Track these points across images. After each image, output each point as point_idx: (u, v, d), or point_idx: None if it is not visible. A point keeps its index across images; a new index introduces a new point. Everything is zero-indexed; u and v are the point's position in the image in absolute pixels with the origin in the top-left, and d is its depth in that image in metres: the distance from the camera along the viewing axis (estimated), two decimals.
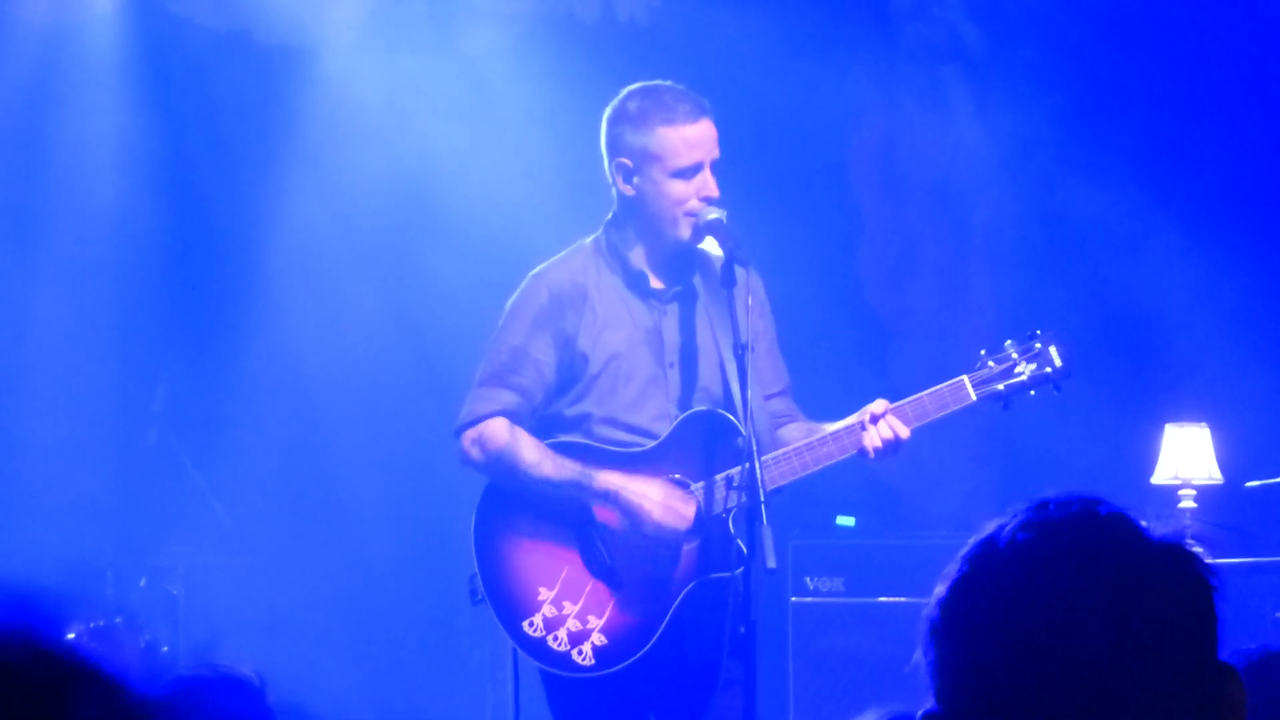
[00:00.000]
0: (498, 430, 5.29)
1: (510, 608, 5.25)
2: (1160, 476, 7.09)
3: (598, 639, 5.20)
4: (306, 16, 8.17)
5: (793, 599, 7.11)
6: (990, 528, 1.77)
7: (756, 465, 4.97)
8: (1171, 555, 1.75)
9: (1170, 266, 8.08)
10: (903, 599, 6.96)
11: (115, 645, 6.35)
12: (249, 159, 8.28)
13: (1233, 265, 7.99)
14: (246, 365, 8.30)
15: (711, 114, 5.28)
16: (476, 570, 5.27)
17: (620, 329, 5.31)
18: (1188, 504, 6.99)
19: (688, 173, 5.22)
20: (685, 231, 5.25)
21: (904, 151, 8.54)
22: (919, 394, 5.24)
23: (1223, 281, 8.00)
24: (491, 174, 8.12)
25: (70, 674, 1.50)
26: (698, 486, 5.23)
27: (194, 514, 7.81)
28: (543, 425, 5.33)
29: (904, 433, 5.18)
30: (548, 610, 5.22)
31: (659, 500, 5.19)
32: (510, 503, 5.30)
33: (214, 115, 8.27)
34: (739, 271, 5.14)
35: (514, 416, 5.30)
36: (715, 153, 5.25)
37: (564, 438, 5.30)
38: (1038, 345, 5.33)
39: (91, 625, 6.35)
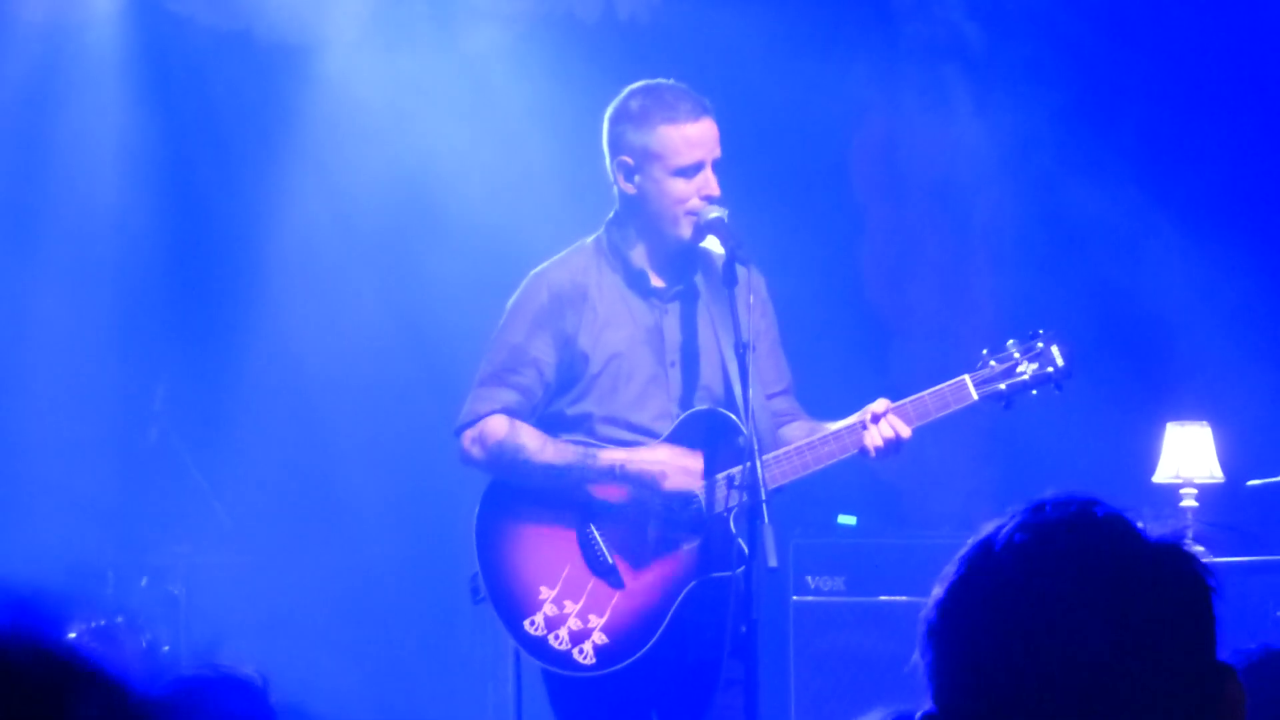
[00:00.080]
0: (497, 426, 5.29)
1: (511, 607, 5.25)
2: (1161, 475, 7.09)
3: (599, 638, 5.21)
4: (307, 16, 8.17)
5: (794, 598, 7.11)
6: (987, 529, 1.77)
7: (758, 464, 4.97)
8: (1169, 556, 1.75)
9: (1171, 265, 8.08)
10: (904, 598, 6.95)
11: (116, 645, 6.35)
12: (249, 158, 8.28)
13: (1234, 264, 7.99)
14: (247, 364, 8.30)
15: (713, 113, 5.28)
16: (478, 569, 5.28)
17: (621, 328, 5.31)
18: (1189, 503, 6.99)
19: (689, 171, 5.22)
20: (686, 230, 5.25)
21: (905, 150, 8.53)
22: (920, 393, 5.24)
23: (1224, 280, 7.99)
24: (492, 173, 8.12)
25: (71, 675, 1.50)
26: (699, 486, 5.23)
27: (195, 513, 7.81)
28: (544, 424, 5.33)
29: (905, 432, 5.19)
30: (549, 609, 5.23)
31: (667, 460, 5.18)
32: (512, 502, 5.30)
33: (214, 114, 8.27)
34: (740, 270, 5.14)
35: (514, 415, 5.31)
36: (716, 151, 5.25)
37: (566, 437, 5.30)
38: (1039, 344, 5.33)
39: (92, 625, 6.35)
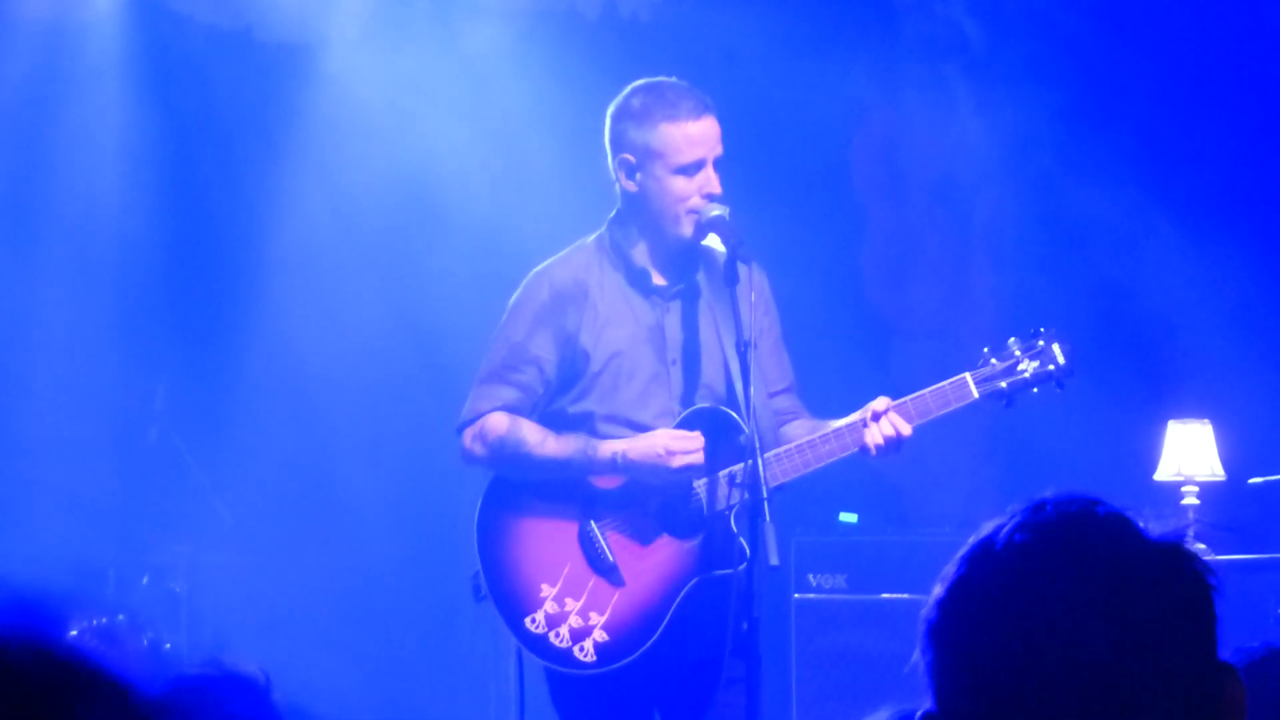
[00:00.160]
0: (498, 421, 5.29)
1: (512, 604, 5.26)
2: (1163, 473, 7.09)
3: (599, 636, 5.21)
4: (307, 14, 8.17)
5: (795, 596, 7.11)
6: (988, 528, 1.77)
7: (759, 462, 4.97)
8: (1169, 555, 1.75)
9: (1172, 263, 8.08)
10: (905, 596, 6.96)
11: (117, 644, 6.35)
12: (250, 157, 8.29)
13: (1235, 262, 7.99)
14: (248, 363, 8.30)
15: (715, 111, 5.28)
16: (479, 567, 5.28)
17: (622, 326, 5.31)
18: (1190, 501, 6.99)
19: (690, 169, 5.22)
20: (687, 229, 5.25)
21: (906, 149, 8.53)
22: (921, 391, 5.24)
23: (1225, 278, 7.99)
24: (493, 171, 8.12)
25: (76, 676, 1.50)
26: (700, 483, 5.23)
27: (196, 512, 7.81)
28: (545, 423, 5.33)
29: (905, 430, 5.18)
30: (550, 607, 5.23)
31: (669, 442, 5.18)
32: (513, 500, 5.31)
33: (215, 113, 8.27)
34: (741, 268, 5.14)
35: (515, 413, 5.31)
36: (718, 150, 5.25)
37: (567, 435, 5.30)
38: (1041, 343, 5.33)
39: (93, 623, 6.36)
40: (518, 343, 5.32)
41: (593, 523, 5.27)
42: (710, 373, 5.31)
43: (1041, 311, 6.92)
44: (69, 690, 1.49)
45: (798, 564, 7.10)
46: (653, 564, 5.24)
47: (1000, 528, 1.76)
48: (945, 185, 8.48)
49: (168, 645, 6.98)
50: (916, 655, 1.77)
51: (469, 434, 5.35)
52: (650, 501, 5.25)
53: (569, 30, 8.25)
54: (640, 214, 5.31)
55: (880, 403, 5.21)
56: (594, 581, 5.25)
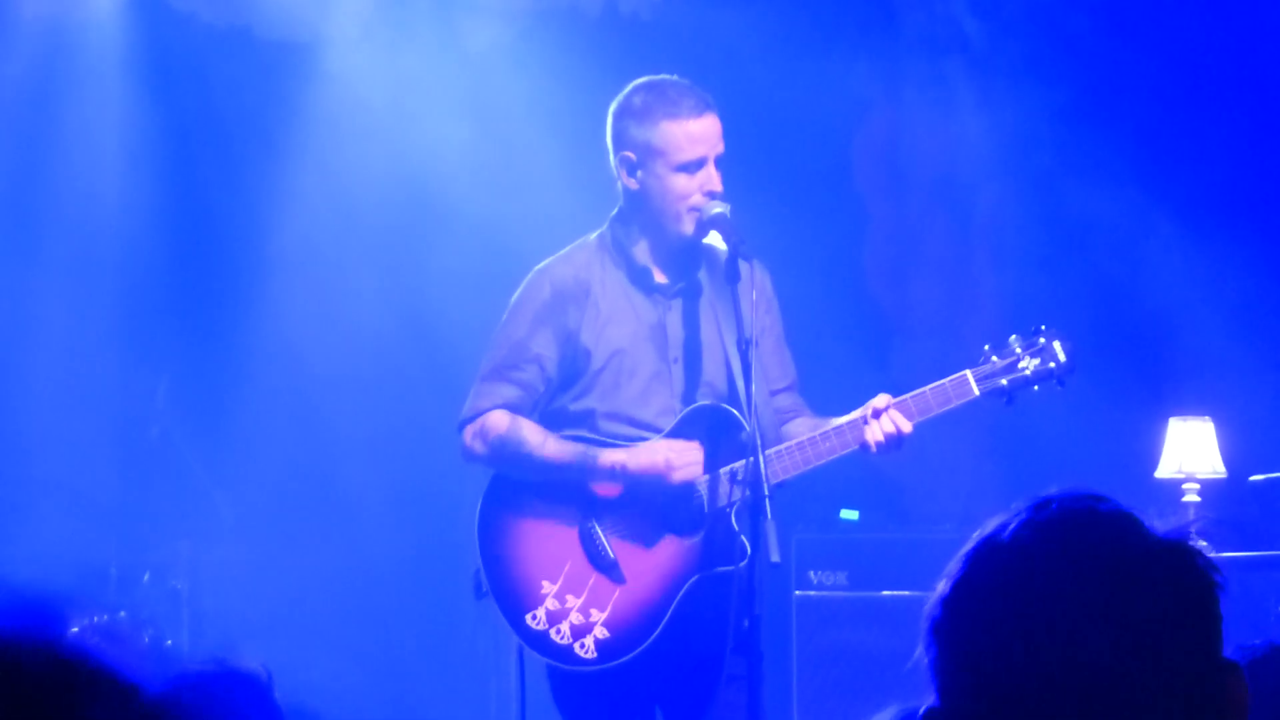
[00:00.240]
0: (499, 419, 5.30)
1: (513, 601, 5.26)
2: (1164, 471, 7.09)
3: (600, 632, 5.21)
4: (308, 12, 8.17)
5: (796, 593, 7.11)
6: (992, 525, 1.77)
7: (760, 460, 4.97)
8: (1175, 553, 1.75)
9: (1173, 260, 8.08)
10: (906, 593, 6.96)
11: (118, 641, 6.35)
12: (251, 155, 8.28)
13: (1236, 259, 7.99)
14: (249, 360, 8.30)
15: (716, 109, 5.28)
16: (480, 564, 5.28)
17: (624, 324, 5.31)
18: (1191, 498, 6.99)
19: (691, 167, 5.23)
20: (688, 226, 5.25)
21: (907, 146, 8.53)
22: (922, 388, 5.25)
23: (1226, 275, 7.99)
24: (494, 169, 8.12)
25: (84, 676, 1.50)
26: (701, 481, 5.24)
27: (197, 509, 7.81)
28: (547, 421, 5.34)
29: (906, 427, 5.19)
30: (550, 604, 5.23)
31: (668, 454, 5.18)
32: (514, 497, 5.31)
33: (216, 111, 8.27)
34: (743, 266, 5.14)
35: (515, 410, 5.31)
36: (719, 147, 5.26)
37: (569, 433, 5.30)
38: (1042, 340, 5.34)
39: (95, 621, 6.36)
40: (519, 341, 5.33)
41: (593, 520, 5.27)
42: (711, 370, 5.31)
43: (1042, 309, 6.92)
44: (77, 690, 1.50)
45: (799, 561, 7.10)
46: (653, 561, 5.24)
47: (1005, 525, 1.76)
48: (946, 183, 8.47)
49: (169, 642, 6.98)
50: (920, 652, 1.78)
51: (469, 431, 5.35)
52: (651, 499, 5.25)
53: (570, 28, 8.25)
54: (642, 212, 5.31)
55: (881, 400, 5.21)
56: (595, 578, 5.26)
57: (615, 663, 5.21)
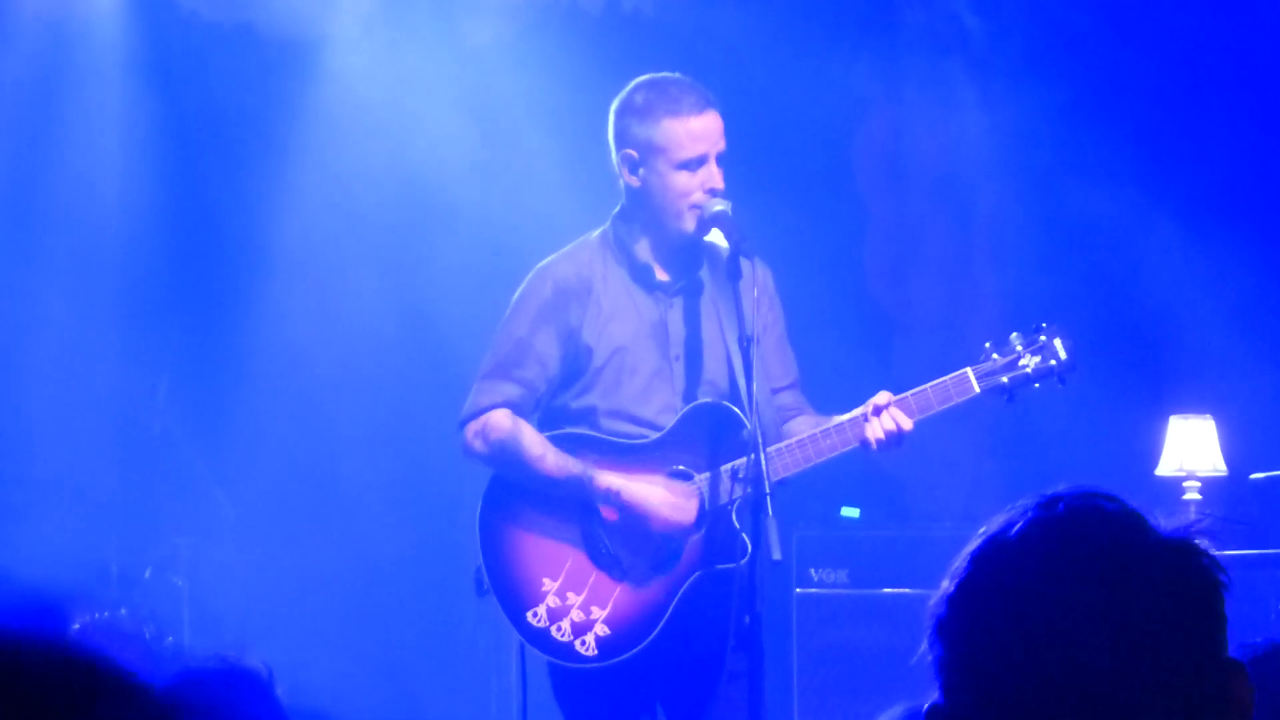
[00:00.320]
0: (500, 422, 5.30)
1: (514, 598, 5.26)
2: (1165, 469, 7.09)
3: (601, 630, 5.21)
4: (310, 10, 8.17)
5: (797, 590, 7.11)
6: (997, 523, 1.77)
7: (761, 457, 4.97)
8: (1180, 552, 1.75)
9: (1175, 258, 8.08)
10: (907, 591, 6.96)
11: (119, 637, 6.35)
12: (252, 152, 8.29)
13: (1238, 257, 7.99)
14: (250, 358, 8.30)
15: (718, 106, 5.28)
16: (481, 561, 5.28)
17: (625, 322, 5.31)
18: (1192, 496, 6.99)
19: (692, 164, 5.22)
20: (690, 224, 5.25)
21: (908, 144, 8.53)
22: (922, 386, 5.25)
23: (1227, 273, 7.99)
24: (495, 167, 8.12)
25: (97, 678, 1.50)
26: (702, 478, 5.24)
27: (198, 505, 7.82)
28: (549, 417, 5.34)
29: (906, 425, 5.19)
30: (551, 601, 5.23)
31: (661, 499, 5.19)
32: (515, 494, 5.31)
33: (217, 109, 8.27)
34: (744, 263, 5.15)
35: (517, 409, 5.31)
36: (721, 145, 5.25)
37: (570, 429, 5.30)
38: (1042, 338, 5.34)
39: (96, 618, 6.36)
40: (521, 338, 5.33)
41: (594, 517, 5.27)
42: (713, 368, 5.31)
43: (1043, 307, 6.92)
44: (90, 689, 1.50)
45: (799, 559, 7.10)
46: (654, 558, 5.24)
47: (1011, 523, 1.76)
48: (947, 181, 8.47)
49: (170, 639, 6.98)
50: (924, 649, 1.78)
51: (471, 429, 5.35)
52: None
53: (571, 26, 8.25)
54: (643, 209, 5.31)
55: (881, 397, 5.22)
56: (595, 576, 5.26)
57: (615, 660, 5.21)
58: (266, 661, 2.79)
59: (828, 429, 5.23)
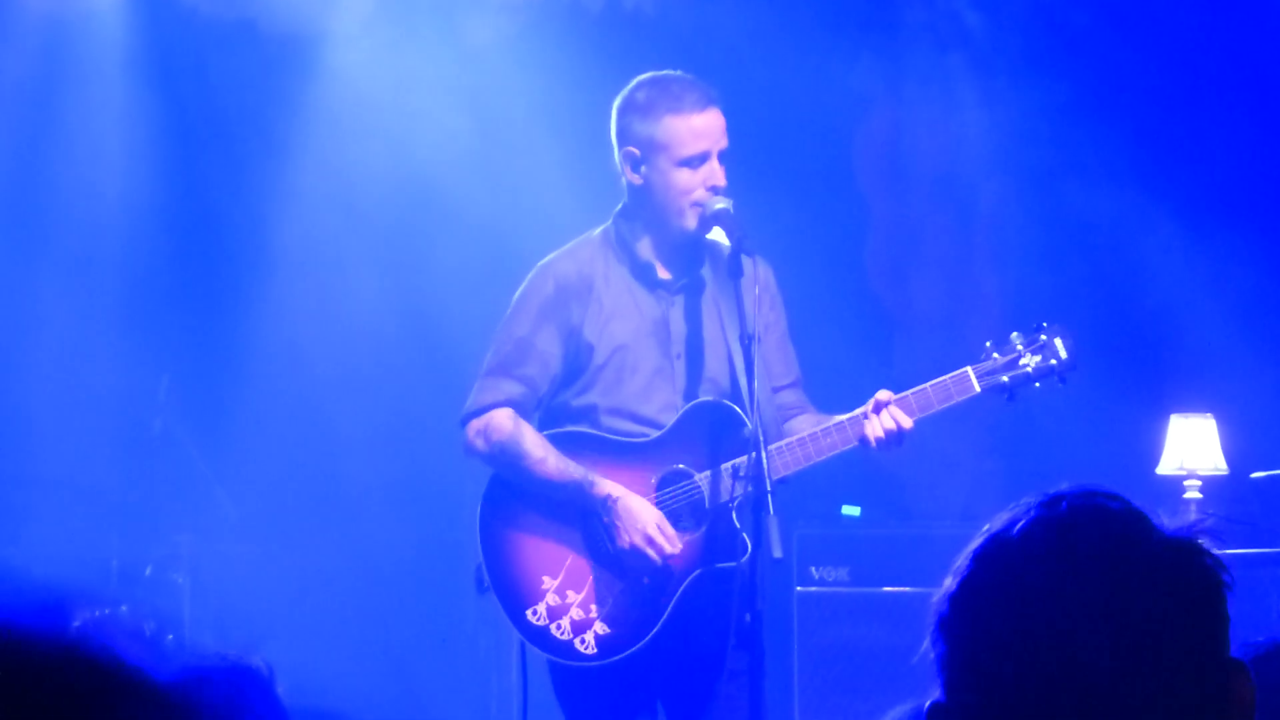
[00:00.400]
0: (502, 422, 5.29)
1: (514, 596, 5.26)
2: (1165, 467, 7.09)
3: (600, 628, 5.21)
4: (311, 7, 8.16)
5: (798, 589, 7.11)
6: (1000, 521, 1.77)
7: (763, 455, 4.97)
8: (1183, 552, 1.75)
9: (1175, 256, 8.08)
10: (908, 589, 6.96)
11: (120, 634, 6.34)
12: (253, 150, 8.28)
13: (1238, 255, 7.99)
14: (252, 355, 8.30)
15: (720, 104, 5.28)
16: (482, 559, 5.28)
17: (627, 320, 5.31)
18: (1193, 495, 6.99)
19: (694, 162, 5.22)
20: (691, 221, 5.25)
21: (909, 142, 8.53)
22: (923, 385, 5.25)
23: (1228, 271, 7.99)
24: (496, 165, 8.12)
25: (110, 679, 1.50)
26: (702, 476, 5.24)
27: (199, 503, 7.81)
28: (550, 415, 5.34)
29: (906, 423, 5.19)
30: (551, 599, 5.23)
31: (650, 525, 5.19)
32: (516, 492, 5.31)
33: (219, 106, 8.27)
34: (746, 261, 5.15)
35: (519, 407, 5.31)
36: (723, 142, 5.25)
37: (571, 428, 5.30)
38: (1043, 337, 5.34)
39: (97, 615, 6.35)
40: (522, 336, 5.33)
41: (595, 517, 5.27)
42: (714, 366, 5.31)
43: (1043, 305, 6.92)
44: (102, 690, 1.50)
45: (800, 557, 7.10)
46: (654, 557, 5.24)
47: (1014, 521, 1.76)
48: (948, 179, 8.47)
49: (170, 637, 6.97)
50: (926, 647, 1.78)
51: (473, 427, 5.35)
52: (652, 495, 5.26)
53: (572, 24, 8.24)
54: (645, 207, 5.31)
55: (882, 394, 5.21)
56: (595, 574, 5.26)
57: (615, 659, 5.21)
58: (267, 659, 2.79)
59: (828, 427, 5.23)
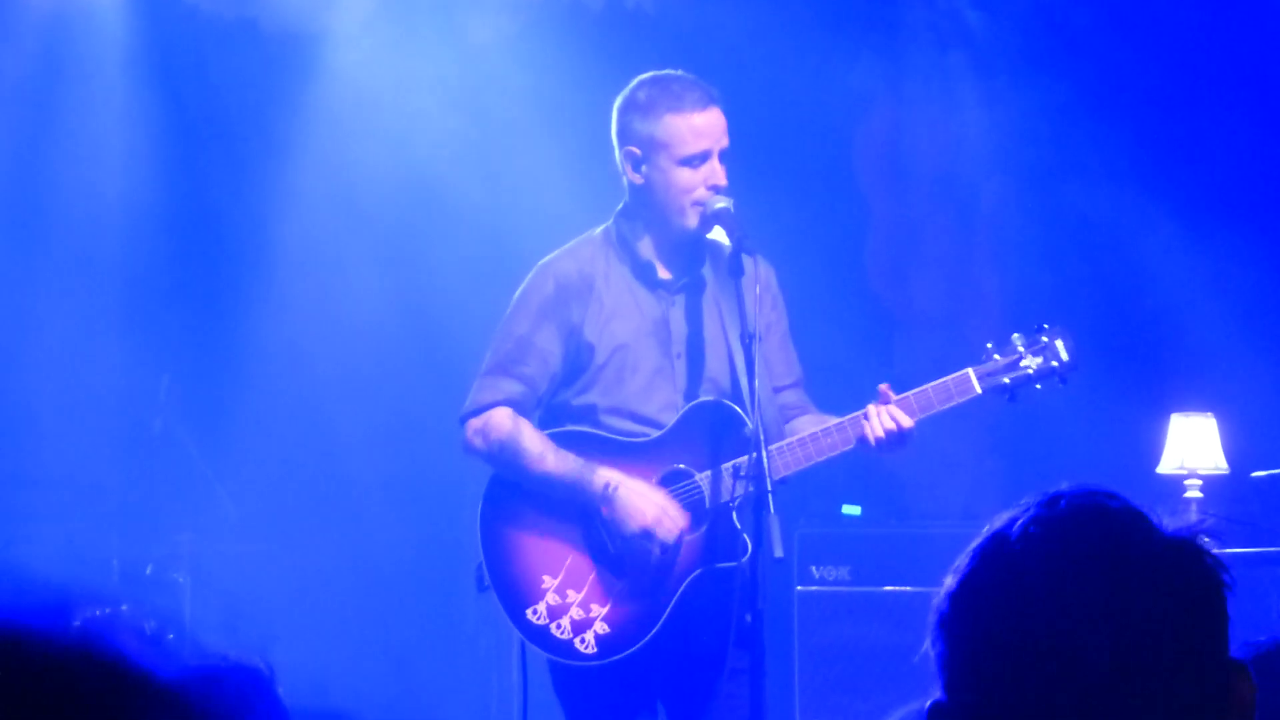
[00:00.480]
0: (501, 420, 5.29)
1: (514, 595, 5.26)
2: (1166, 466, 7.09)
3: (600, 627, 5.21)
4: (312, 6, 8.17)
5: (798, 588, 7.11)
6: (1001, 521, 1.77)
7: (764, 454, 4.97)
8: (1183, 552, 1.75)
9: (1176, 256, 8.08)
10: (908, 588, 6.96)
11: (120, 633, 6.34)
12: (254, 149, 8.28)
13: (1239, 254, 7.99)
14: (252, 354, 8.30)
15: (720, 103, 5.27)
16: (482, 558, 5.28)
17: (627, 319, 5.31)
18: (1194, 494, 6.99)
19: (695, 161, 5.22)
20: (692, 221, 5.25)
21: (909, 141, 8.53)
22: (924, 386, 5.24)
23: (1229, 271, 7.99)
24: (498, 164, 8.12)
25: (123, 681, 1.50)
26: (703, 476, 5.24)
27: (199, 502, 7.82)
28: (550, 415, 5.34)
29: (906, 422, 5.18)
30: (551, 598, 5.23)
31: (656, 507, 5.18)
32: (516, 491, 5.31)
33: (220, 104, 8.27)
34: (746, 261, 5.14)
35: (518, 406, 5.31)
36: (724, 142, 5.25)
37: (571, 427, 5.30)
38: (1045, 339, 5.33)
39: (98, 614, 6.35)
40: (522, 335, 5.33)
41: (594, 515, 5.27)
42: (714, 366, 5.31)
43: (1044, 304, 6.93)
44: (113, 691, 1.50)
45: (801, 556, 7.10)
46: (654, 556, 5.24)
47: (1014, 520, 1.76)
48: (949, 178, 8.48)
49: (170, 636, 6.97)
50: (927, 646, 1.78)
51: (472, 426, 5.35)
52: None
53: (573, 23, 8.24)
54: (646, 206, 5.31)
55: (883, 385, 5.21)
56: (595, 573, 5.26)
57: (614, 658, 5.21)
58: (267, 658, 2.79)
59: (829, 428, 5.23)
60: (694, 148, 5.22)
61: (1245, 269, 8.00)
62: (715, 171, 5.22)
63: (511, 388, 5.32)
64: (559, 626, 5.22)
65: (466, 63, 8.20)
